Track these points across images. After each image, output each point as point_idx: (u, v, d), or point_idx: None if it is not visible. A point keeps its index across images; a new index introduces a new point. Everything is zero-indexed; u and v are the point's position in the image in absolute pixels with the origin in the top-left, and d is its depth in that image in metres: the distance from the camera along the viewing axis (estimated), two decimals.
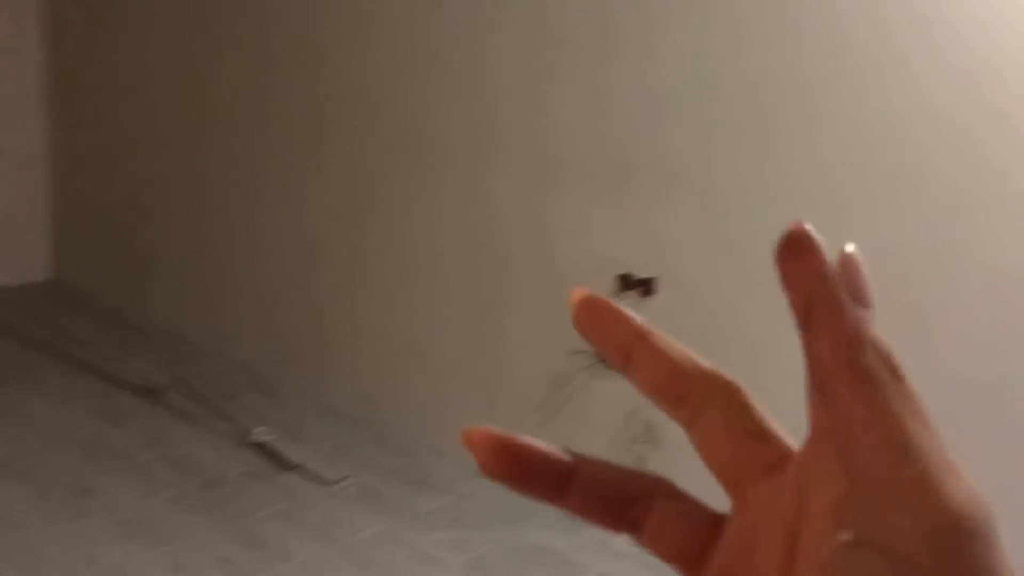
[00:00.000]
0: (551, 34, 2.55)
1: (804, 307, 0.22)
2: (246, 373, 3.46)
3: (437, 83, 2.82)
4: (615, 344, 0.26)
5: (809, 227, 0.23)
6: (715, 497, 0.27)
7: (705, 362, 0.25)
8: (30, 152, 4.22)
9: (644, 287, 2.46)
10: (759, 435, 0.25)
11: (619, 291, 2.49)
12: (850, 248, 0.23)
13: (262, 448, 2.84)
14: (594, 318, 0.27)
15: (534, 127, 2.63)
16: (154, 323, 3.86)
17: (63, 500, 2.48)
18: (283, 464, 2.76)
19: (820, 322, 0.22)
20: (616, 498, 0.26)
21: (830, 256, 0.23)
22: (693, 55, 2.30)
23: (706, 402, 0.25)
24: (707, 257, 2.34)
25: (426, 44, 2.83)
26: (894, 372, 0.21)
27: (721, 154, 2.29)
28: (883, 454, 0.20)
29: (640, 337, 0.26)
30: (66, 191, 4.25)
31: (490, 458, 0.25)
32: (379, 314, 3.09)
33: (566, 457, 0.26)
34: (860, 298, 0.22)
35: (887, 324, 0.22)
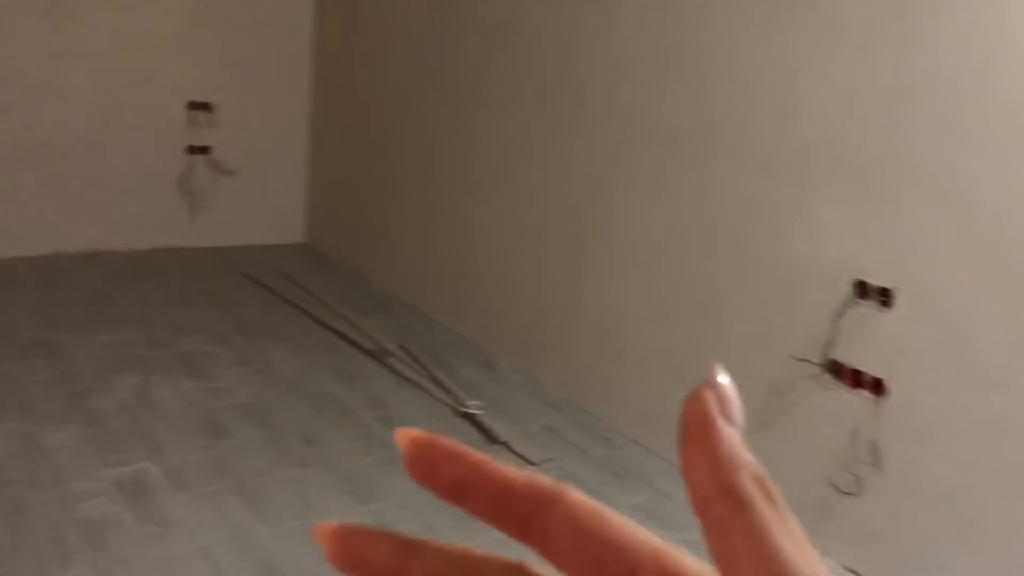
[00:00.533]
0: (797, 20, 2.40)
1: (679, 429, 0.23)
2: (468, 347, 3.57)
3: (672, 69, 2.74)
4: (449, 482, 0.24)
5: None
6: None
7: (542, 479, 0.24)
8: (295, 126, 4.58)
9: (882, 297, 2.26)
10: (614, 546, 0.23)
11: (854, 299, 2.31)
12: (721, 377, 0.23)
13: (473, 420, 2.92)
14: (426, 460, 0.24)
15: (772, 117, 2.48)
16: (390, 291, 4.08)
17: (290, 448, 2.67)
18: (491, 438, 2.82)
19: (695, 444, 0.22)
20: None
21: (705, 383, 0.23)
22: (956, 48, 2.07)
23: (547, 522, 0.24)
24: (957, 270, 2.11)
25: (663, 28, 2.75)
26: (769, 495, 0.22)
27: (981, 157, 2.05)
28: None
29: (472, 468, 0.24)
30: (323, 163, 4.57)
31: (334, 552, 0.24)
32: (599, 303, 3.07)
33: (402, 555, 0.24)
34: (730, 423, 0.23)
35: None
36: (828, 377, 2.37)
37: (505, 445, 2.78)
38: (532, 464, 2.69)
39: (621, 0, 2.89)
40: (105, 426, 2.66)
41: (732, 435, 0.22)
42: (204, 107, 4.25)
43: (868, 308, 2.28)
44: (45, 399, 2.78)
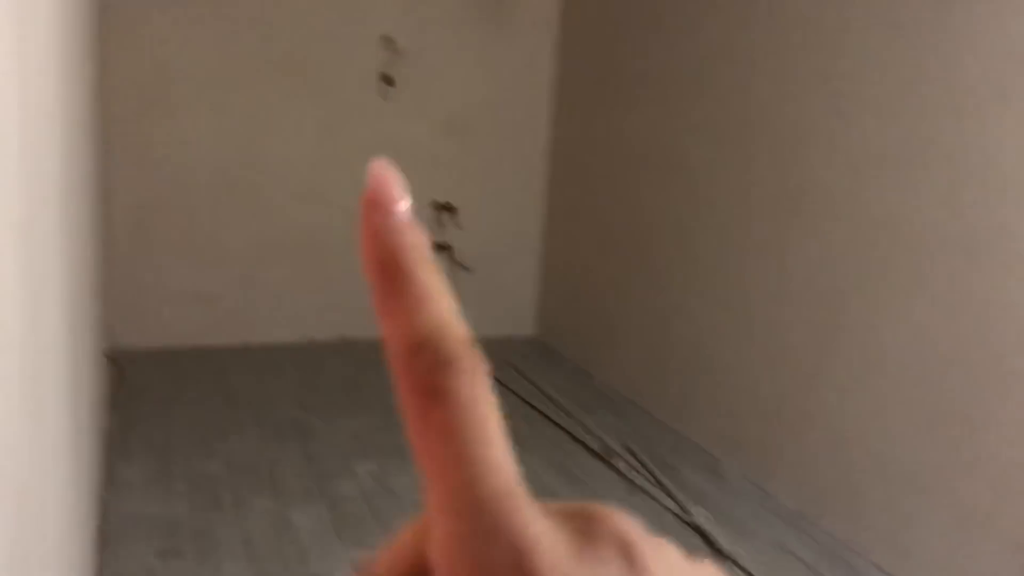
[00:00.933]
0: None
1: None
2: (694, 450, 3.48)
3: (922, 166, 2.60)
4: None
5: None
6: None
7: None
8: (530, 224, 4.76)
9: None
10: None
11: None
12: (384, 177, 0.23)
13: (698, 530, 2.82)
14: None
15: None
16: (616, 388, 4.08)
17: None
18: (715, 551, 2.71)
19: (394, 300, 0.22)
20: None
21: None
22: None
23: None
24: None
25: (911, 122, 2.63)
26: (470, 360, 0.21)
27: None
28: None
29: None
30: (555, 260, 4.70)
31: None
32: (837, 412, 2.90)
33: None
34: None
35: None
36: None
37: (731, 560, 2.66)
38: None
39: (862, 94, 2.80)
40: (346, 509, 2.82)
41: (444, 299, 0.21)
42: (447, 208, 4.53)
43: None
44: (295, 479, 3.00)
